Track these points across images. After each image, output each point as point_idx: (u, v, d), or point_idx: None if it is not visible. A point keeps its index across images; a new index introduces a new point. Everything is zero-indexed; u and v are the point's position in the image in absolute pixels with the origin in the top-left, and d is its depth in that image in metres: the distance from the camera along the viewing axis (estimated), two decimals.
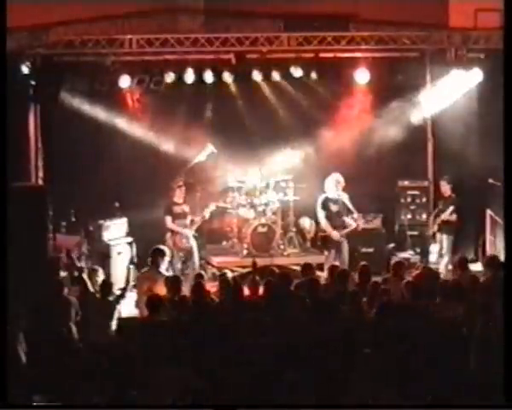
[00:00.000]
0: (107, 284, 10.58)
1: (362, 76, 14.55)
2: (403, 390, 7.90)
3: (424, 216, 15.04)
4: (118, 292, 10.56)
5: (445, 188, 14.01)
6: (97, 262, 13.01)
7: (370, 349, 8.41)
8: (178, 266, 13.15)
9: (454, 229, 13.85)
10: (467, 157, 14.64)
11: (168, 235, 13.27)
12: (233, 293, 10.10)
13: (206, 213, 13.51)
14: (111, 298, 10.30)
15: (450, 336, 9.05)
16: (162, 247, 11.74)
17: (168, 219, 13.24)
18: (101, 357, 8.37)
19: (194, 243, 13.34)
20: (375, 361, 8.28)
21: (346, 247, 13.33)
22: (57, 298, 10.24)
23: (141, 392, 7.63)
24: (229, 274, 11.37)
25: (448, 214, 13.73)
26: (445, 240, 13.80)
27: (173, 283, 10.35)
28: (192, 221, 13.39)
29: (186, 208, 13.48)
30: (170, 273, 11.68)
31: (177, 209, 13.37)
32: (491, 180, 14.00)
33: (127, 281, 10.86)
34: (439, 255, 13.93)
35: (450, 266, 13.23)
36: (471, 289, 10.23)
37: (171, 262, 12.49)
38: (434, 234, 14.02)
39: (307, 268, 11.04)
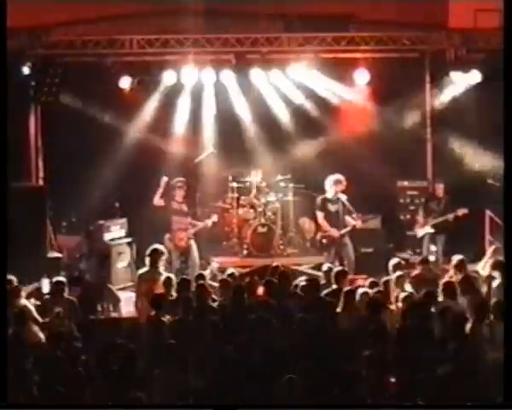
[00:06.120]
0: None
1: (362, 76, 14.56)
2: (403, 390, 7.90)
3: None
4: None
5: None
6: (97, 262, 13.03)
7: (370, 349, 8.41)
8: (177, 266, 13.15)
9: None
10: (466, 157, 14.65)
11: (167, 235, 13.29)
12: (234, 293, 10.11)
13: (209, 222, 13.50)
14: None
15: (449, 336, 9.08)
16: (160, 246, 11.70)
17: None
18: (101, 357, 8.37)
19: (193, 244, 13.33)
20: (374, 361, 8.28)
21: (350, 246, 13.30)
22: (57, 298, 10.25)
23: (141, 392, 7.62)
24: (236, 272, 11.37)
25: None
26: None
27: (183, 285, 10.32)
28: (191, 224, 13.38)
29: (185, 208, 13.49)
30: (168, 274, 11.61)
31: (176, 208, 13.39)
32: (490, 180, 13.99)
33: None
34: None
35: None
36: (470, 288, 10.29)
37: (169, 262, 12.48)
38: None
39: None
